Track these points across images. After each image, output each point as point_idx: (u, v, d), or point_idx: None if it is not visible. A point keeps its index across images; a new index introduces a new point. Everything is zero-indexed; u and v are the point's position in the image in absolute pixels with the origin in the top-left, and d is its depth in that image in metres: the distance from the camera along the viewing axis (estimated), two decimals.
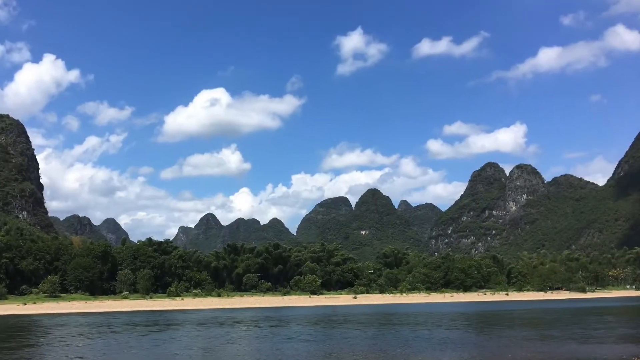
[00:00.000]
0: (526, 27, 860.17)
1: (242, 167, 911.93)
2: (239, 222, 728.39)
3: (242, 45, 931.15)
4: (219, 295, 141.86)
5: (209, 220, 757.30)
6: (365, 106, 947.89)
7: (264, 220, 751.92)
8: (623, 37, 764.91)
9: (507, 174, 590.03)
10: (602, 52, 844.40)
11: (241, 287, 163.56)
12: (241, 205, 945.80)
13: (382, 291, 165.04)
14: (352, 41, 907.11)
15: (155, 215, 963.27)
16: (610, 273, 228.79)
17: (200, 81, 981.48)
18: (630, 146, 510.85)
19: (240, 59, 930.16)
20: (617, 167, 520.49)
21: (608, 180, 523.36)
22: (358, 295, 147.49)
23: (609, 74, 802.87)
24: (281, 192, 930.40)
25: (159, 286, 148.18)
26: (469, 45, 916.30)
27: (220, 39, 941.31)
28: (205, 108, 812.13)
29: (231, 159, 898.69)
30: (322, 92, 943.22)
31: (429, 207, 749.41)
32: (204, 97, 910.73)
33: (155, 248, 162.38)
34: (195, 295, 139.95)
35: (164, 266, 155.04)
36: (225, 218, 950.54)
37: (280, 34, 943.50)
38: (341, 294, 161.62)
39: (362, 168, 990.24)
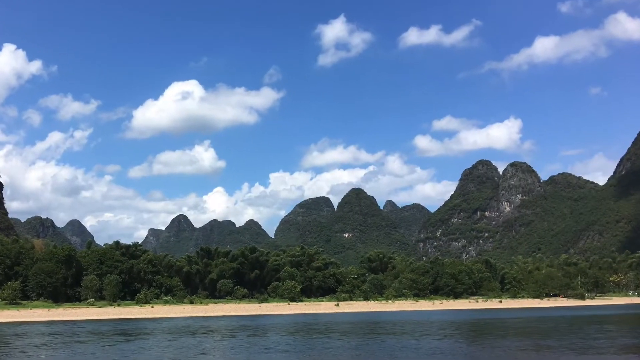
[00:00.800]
0: (521, 15, 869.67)
1: (216, 165, 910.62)
2: (213, 224, 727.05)
3: (216, 34, 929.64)
4: (192, 303, 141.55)
5: (180, 222, 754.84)
6: (349, 100, 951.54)
7: (239, 222, 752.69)
8: (625, 26, 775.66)
9: (501, 173, 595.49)
10: (602, 41, 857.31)
11: (215, 294, 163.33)
12: (215, 206, 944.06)
13: (366, 298, 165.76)
14: (334, 30, 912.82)
15: (123, 217, 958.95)
16: (611, 279, 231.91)
17: (171, 73, 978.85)
18: (633, 142, 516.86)
19: (214, 50, 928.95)
20: (618, 165, 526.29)
21: (609, 179, 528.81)
22: (341, 303, 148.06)
23: (610, 65, 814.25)
24: (258, 192, 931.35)
25: (127, 293, 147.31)
26: (459, 35, 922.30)
27: (193, 27, 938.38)
28: (177, 101, 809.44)
29: (204, 156, 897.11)
30: (302, 85, 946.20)
31: (417, 208, 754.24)
32: (175, 89, 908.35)
33: (123, 252, 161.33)
34: (166, 302, 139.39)
35: (132, 271, 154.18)
36: (198, 220, 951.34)
37: (257, 22, 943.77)
38: (322, 301, 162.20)
39: (345, 166, 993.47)
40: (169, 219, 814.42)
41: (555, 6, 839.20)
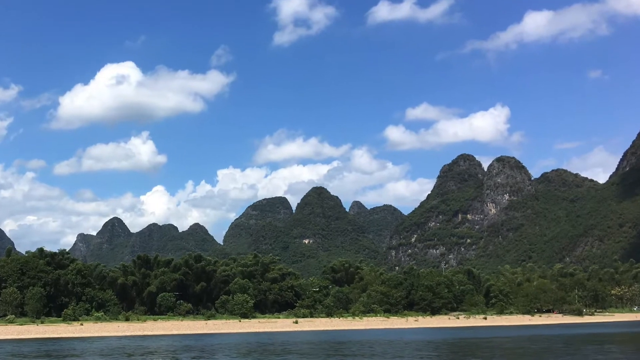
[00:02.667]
0: None
1: (155, 161, 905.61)
2: (152, 228, 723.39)
3: (155, 9, 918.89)
4: (127, 320, 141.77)
5: (114, 226, 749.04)
6: (309, 85, 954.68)
7: (182, 226, 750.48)
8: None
9: (485, 169, 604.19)
10: (603, 17, 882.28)
11: (155, 309, 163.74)
12: (155, 207, 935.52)
13: (329, 314, 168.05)
14: (293, 4, 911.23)
15: (48, 220, 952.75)
16: (613, 292, 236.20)
17: (103, 54, 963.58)
18: (639, 134, 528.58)
19: (154, 27, 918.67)
20: (621, 161, 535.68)
21: (610, 177, 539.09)
22: (300, 320, 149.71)
23: (612, 44, 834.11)
24: (204, 192, 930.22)
25: (52, 308, 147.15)
26: (437, 9, 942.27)
27: (129, 1, 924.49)
28: (110, 87, 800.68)
29: (142, 150, 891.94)
30: (256, 67, 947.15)
31: (388, 210, 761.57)
32: (108, 73, 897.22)
33: (48, 261, 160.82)
34: (98, 319, 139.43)
35: (58, 283, 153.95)
36: (135, 223, 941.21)
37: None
38: (279, 317, 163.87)
39: (305, 161, 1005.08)
40: (101, 222, 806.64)
41: None
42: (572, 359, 58.69)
